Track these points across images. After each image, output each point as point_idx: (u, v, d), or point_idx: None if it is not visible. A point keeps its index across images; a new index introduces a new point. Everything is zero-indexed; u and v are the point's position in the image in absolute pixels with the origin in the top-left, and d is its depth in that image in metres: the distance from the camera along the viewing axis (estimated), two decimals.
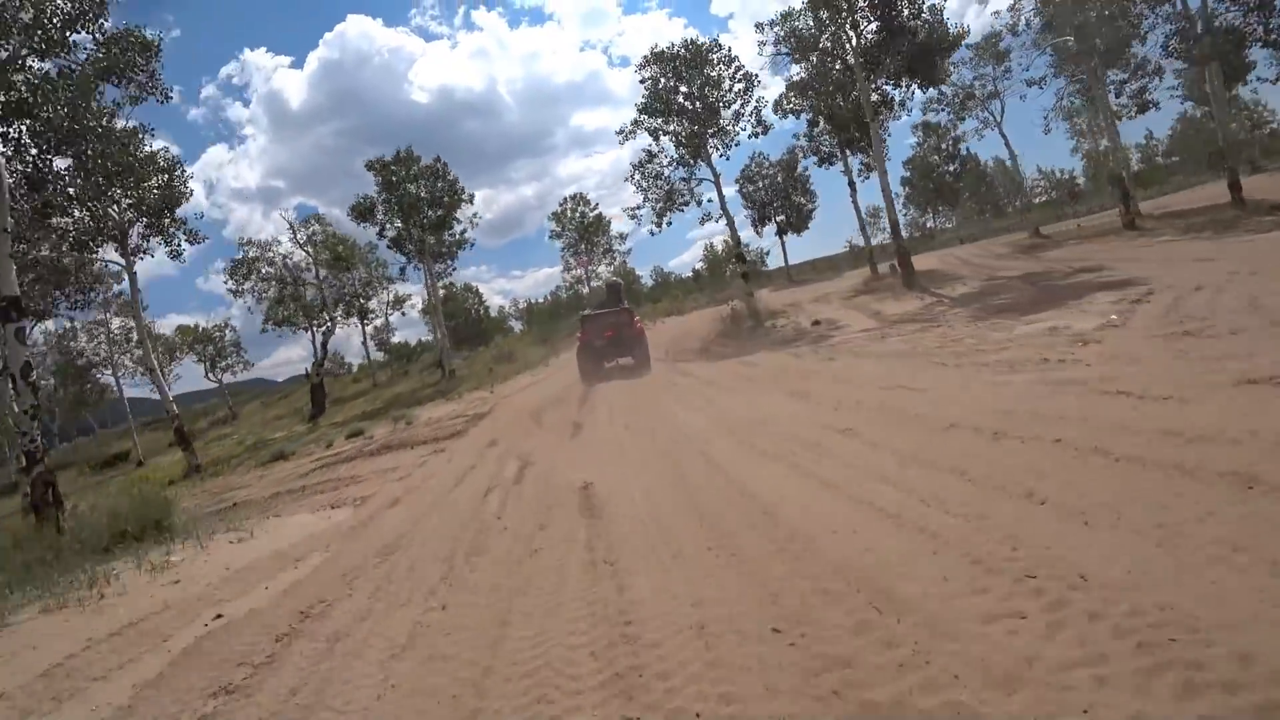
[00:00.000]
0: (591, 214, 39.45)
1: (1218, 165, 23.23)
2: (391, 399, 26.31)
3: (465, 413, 14.22)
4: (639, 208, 20.40)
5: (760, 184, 37.81)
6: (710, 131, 19.36)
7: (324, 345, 25.94)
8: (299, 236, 25.24)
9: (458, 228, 29.15)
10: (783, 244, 38.06)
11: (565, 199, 39.33)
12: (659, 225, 20.60)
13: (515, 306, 58.29)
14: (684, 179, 20.21)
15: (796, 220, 37.72)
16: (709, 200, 20.78)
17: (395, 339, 46.97)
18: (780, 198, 37.16)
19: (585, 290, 42.10)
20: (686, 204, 20.51)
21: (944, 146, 45.16)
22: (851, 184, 24.48)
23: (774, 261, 45.89)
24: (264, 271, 24.35)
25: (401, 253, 26.36)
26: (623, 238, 40.13)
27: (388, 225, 26.07)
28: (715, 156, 19.89)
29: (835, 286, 24.70)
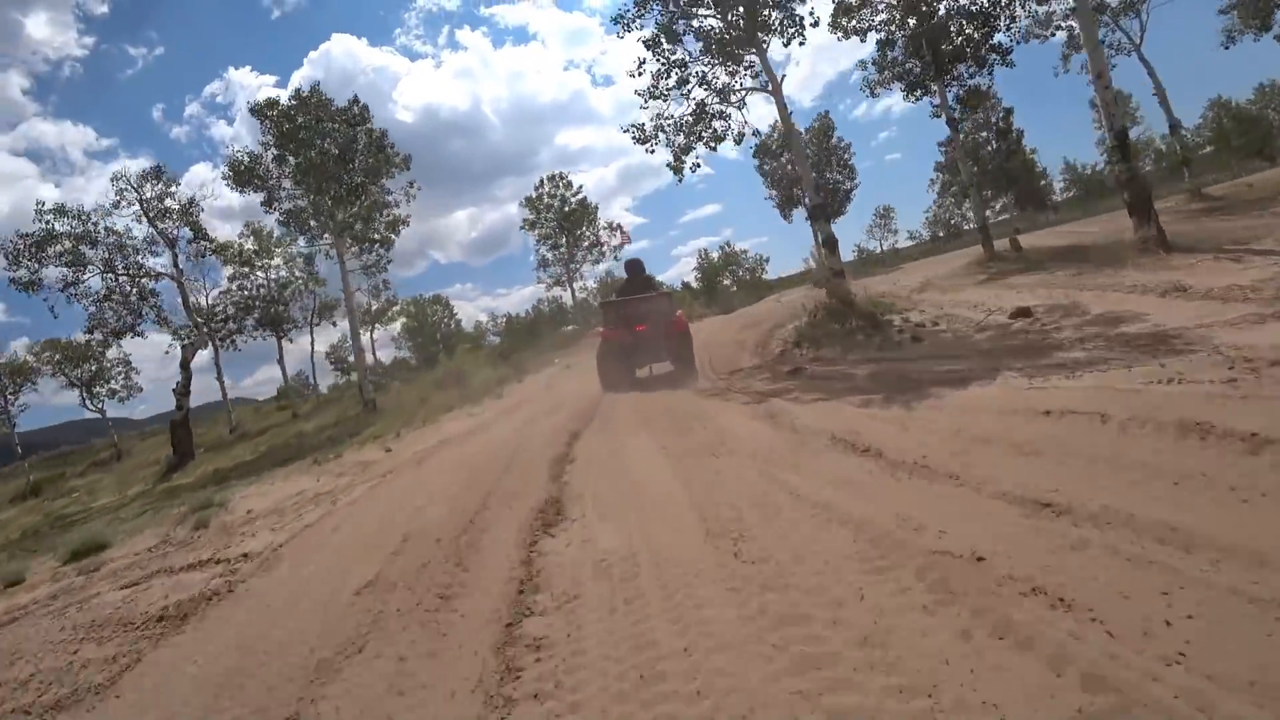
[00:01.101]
0: (574, 198, 31.74)
1: None
2: (287, 441, 18.15)
3: (298, 509, 6.34)
4: (649, 136, 12.67)
5: (785, 159, 30.33)
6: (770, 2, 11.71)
7: (184, 365, 17.73)
8: (144, 204, 17.00)
9: (390, 205, 21.30)
10: (815, 233, 30.50)
11: (542, 179, 31.68)
12: (680, 168, 12.85)
13: (494, 321, 50.24)
14: (720, 93, 12.52)
15: (831, 202, 30.17)
16: (754, 132, 13.14)
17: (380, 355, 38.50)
18: (813, 175, 29.60)
19: (568, 298, 34.34)
20: (721, 134, 12.81)
21: (994, 120, 38.20)
22: (952, 123, 16.94)
23: (791, 264, 38.24)
24: (85, 255, 16.13)
25: (302, 232, 18.37)
26: (614, 229, 32.36)
27: (278, 191, 18.04)
28: (775, 46, 12.26)
29: (933, 271, 17.10)
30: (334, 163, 18.58)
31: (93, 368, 29.60)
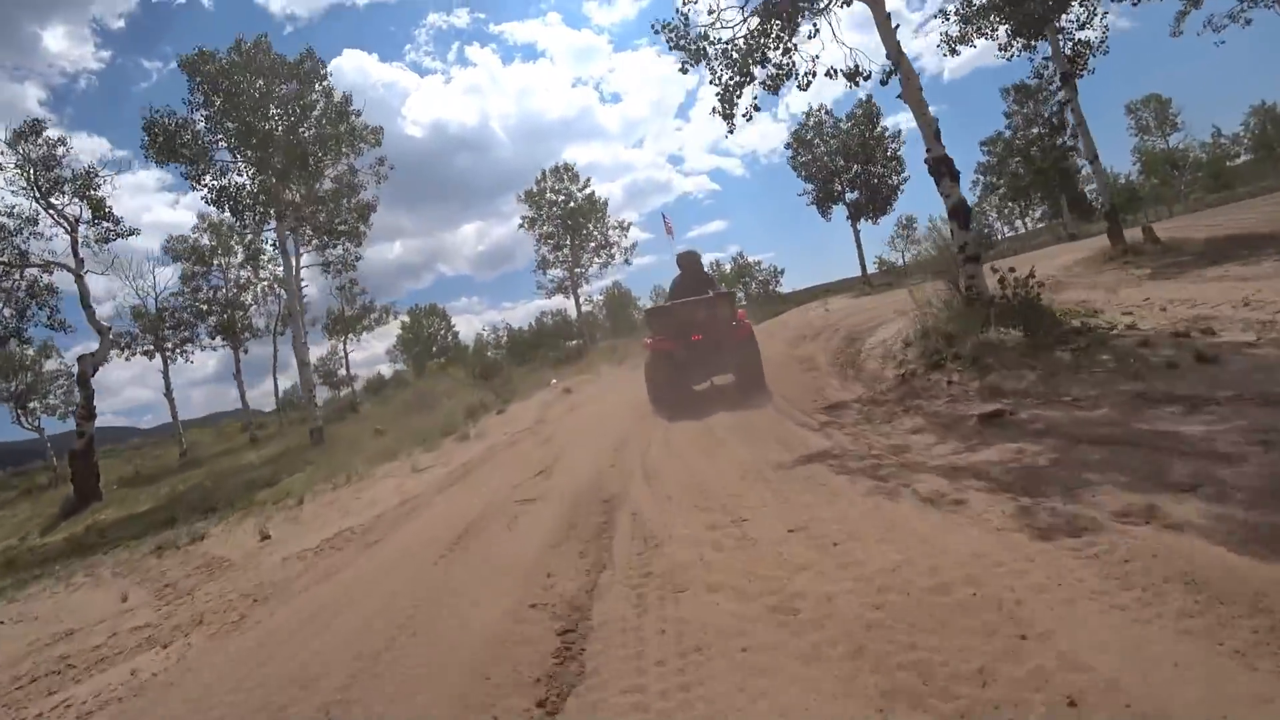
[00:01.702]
0: (581, 194, 27.97)
1: None
2: (204, 483, 14.20)
3: None
4: (695, 52, 8.92)
5: (823, 148, 26.54)
6: None
7: (82, 382, 13.90)
8: (28, 172, 13.06)
9: (358, 187, 17.66)
10: (856, 234, 26.59)
11: (544, 171, 27.97)
12: (730, 114, 9.00)
13: (495, 334, 46.59)
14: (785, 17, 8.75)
15: (875, 200, 26.32)
16: (826, 70, 9.33)
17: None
18: (855, 167, 25.85)
19: (571, 309, 30.50)
20: (784, 72, 9.01)
21: (1047, 114, 34.34)
22: (1068, 77, 12.96)
23: (800, 279, 34.22)
24: None
25: (234, 213, 14.56)
26: (624, 228, 28.56)
27: (205, 165, 14.29)
28: None
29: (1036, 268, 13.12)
30: (283, 130, 14.86)
31: (28, 378, 25.87)
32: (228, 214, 14.83)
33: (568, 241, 27.65)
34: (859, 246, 26.31)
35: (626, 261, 28.59)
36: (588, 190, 27.98)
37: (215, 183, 14.41)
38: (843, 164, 25.56)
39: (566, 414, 9.88)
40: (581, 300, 28.24)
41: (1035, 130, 34.59)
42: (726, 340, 7.77)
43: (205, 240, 23.19)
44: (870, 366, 7.81)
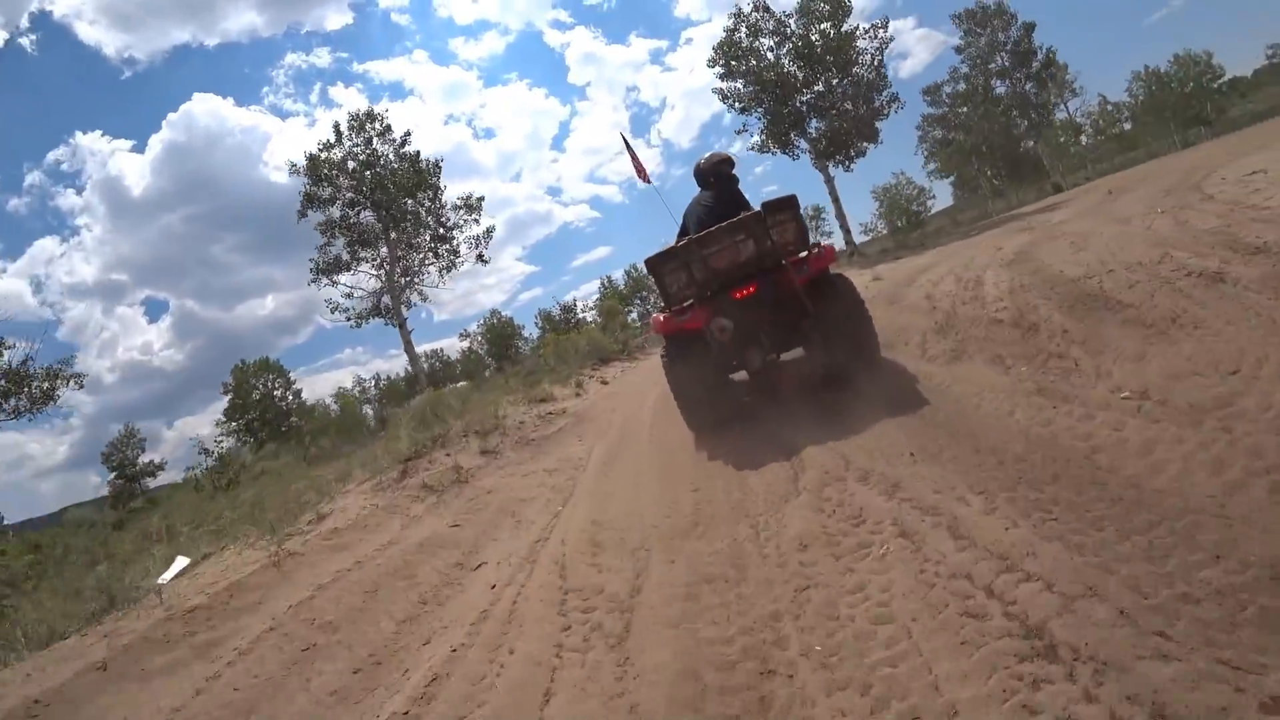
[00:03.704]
0: (392, 150, 17.18)
1: None
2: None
3: None
4: None
5: (770, 56, 17.57)
6: None
7: None
8: None
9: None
10: (829, 184, 17.65)
11: (336, 124, 17.01)
12: None
13: (360, 387, 35.02)
14: None
15: (849, 135, 17.53)
16: None
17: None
18: (821, 80, 17.00)
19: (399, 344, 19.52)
20: None
21: (1007, 40, 27.60)
22: None
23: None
24: None
25: None
26: (472, 207, 18.11)
27: None
28: None
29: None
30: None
31: None
32: None
33: (382, 229, 16.72)
34: (836, 202, 17.50)
35: (481, 259, 18.03)
36: (405, 146, 17.27)
37: None
38: (800, 74, 16.54)
39: None
40: (410, 327, 17.12)
41: (999, 61, 27.86)
42: (796, 289, 3.81)
43: None
44: None
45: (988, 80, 28.26)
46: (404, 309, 16.81)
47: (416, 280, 17.37)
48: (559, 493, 4.03)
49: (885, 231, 36.69)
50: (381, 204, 16.50)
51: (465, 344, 38.00)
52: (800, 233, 3.97)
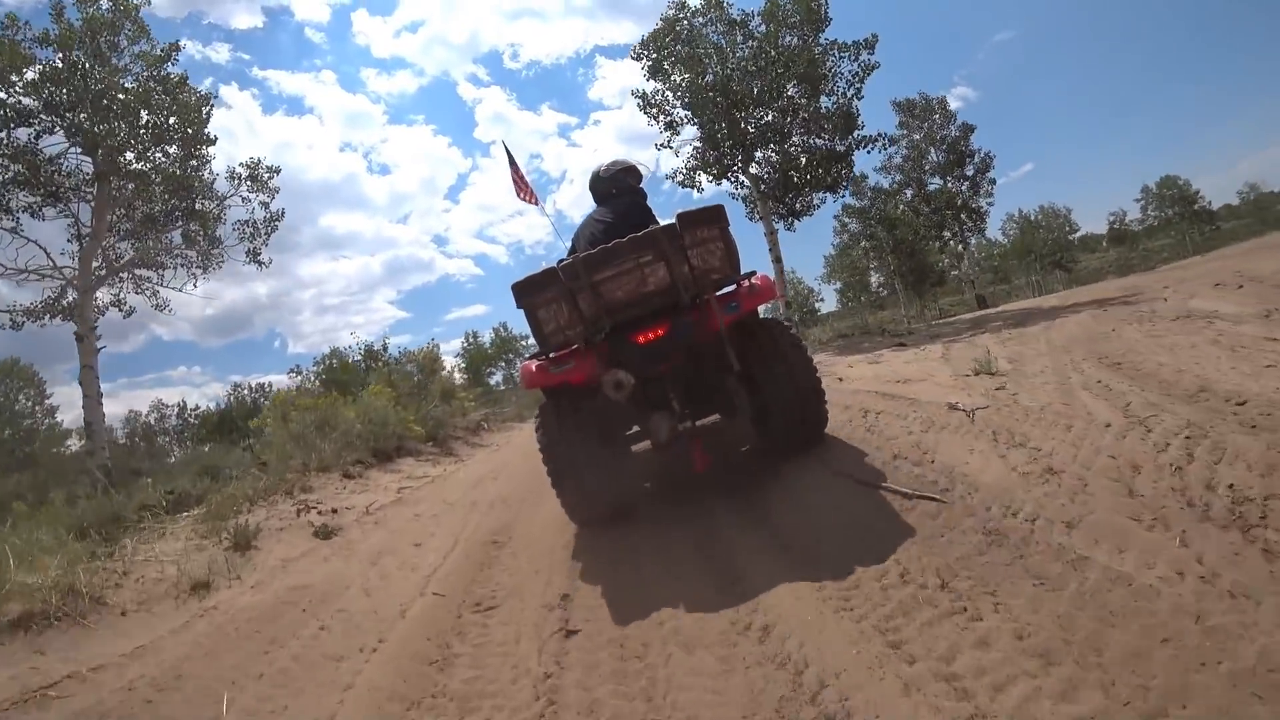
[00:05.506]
0: (128, 42, 10.89)
1: None
2: None
3: None
4: None
5: (714, 69, 13.49)
6: None
7: None
8: None
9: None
10: (772, 242, 13.48)
11: None
12: None
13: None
14: None
15: (805, 175, 13.63)
16: None
17: None
18: (786, 93, 13.01)
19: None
20: None
21: (946, 135, 26.21)
22: None
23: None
24: None
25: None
26: (256, 178, 12.04)
27: None
28: None
29: None
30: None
31: None
32: None
33: (86, 179, 10.15)
34: (778, 263, 13.27)
35: (257, 260, 11.81)
36: (174, 69, 11.06)
37: None
38: (754, 89, 12.44)
39: None
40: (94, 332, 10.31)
41: (934, 157, 26.36)
42: (721, 332, 3.10)
43: None
44: None
45: (921, 175, 26.67)
46: (94, 313, 10.04)
47: (137, 272, 10.78)
48: None
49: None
50: (89, 133, 9.99)
51: (297, 381, 30.40)
52: (729, 257, 3.09)
